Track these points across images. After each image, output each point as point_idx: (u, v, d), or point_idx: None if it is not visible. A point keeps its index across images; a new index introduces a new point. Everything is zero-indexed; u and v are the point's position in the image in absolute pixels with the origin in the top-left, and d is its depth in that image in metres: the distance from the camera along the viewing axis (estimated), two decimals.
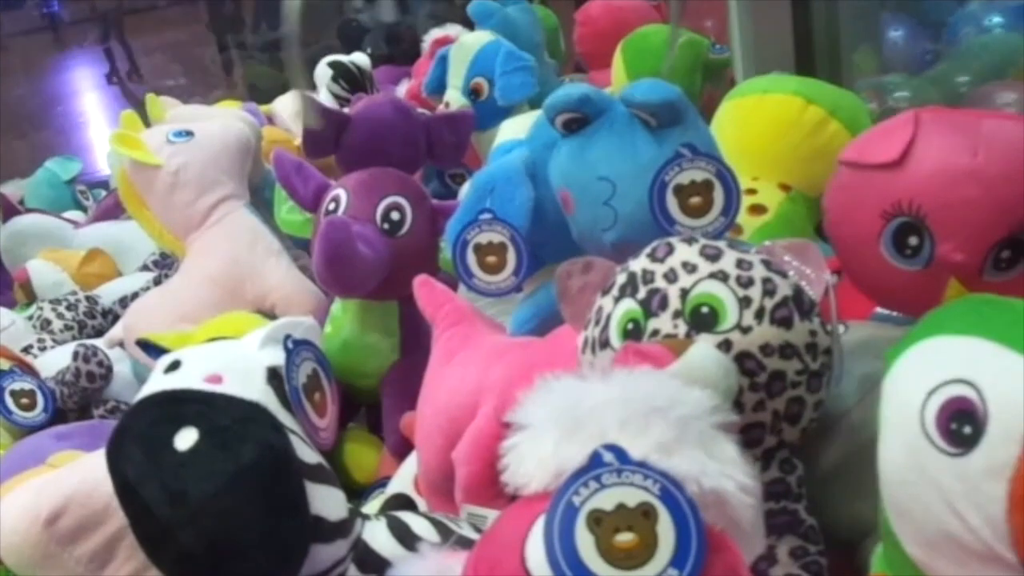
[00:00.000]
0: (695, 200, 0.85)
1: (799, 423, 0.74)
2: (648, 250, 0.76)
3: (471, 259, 1.01)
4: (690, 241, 0.76)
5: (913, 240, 0.81)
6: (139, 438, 0.67)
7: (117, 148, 1.42)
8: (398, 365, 1.23)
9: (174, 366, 0.73)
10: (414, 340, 1.21)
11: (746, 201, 1.11)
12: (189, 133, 1.44)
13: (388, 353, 1.23)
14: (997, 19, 1.91)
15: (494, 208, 1.02)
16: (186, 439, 0.66)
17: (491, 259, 1.01)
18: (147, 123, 1.56)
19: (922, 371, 0.57)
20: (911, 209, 0.80)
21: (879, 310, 0.95)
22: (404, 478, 1.06)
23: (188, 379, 0.71)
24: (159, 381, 0.72)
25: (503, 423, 0.85)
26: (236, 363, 0.73)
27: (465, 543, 0.72)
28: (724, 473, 0.56)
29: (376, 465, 1.23)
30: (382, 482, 1.16)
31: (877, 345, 0.81)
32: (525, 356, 0.93)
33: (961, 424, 0.53)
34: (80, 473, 0.76)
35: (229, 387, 0.70)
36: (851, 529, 0.77)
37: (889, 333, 0.86)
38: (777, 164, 1.15)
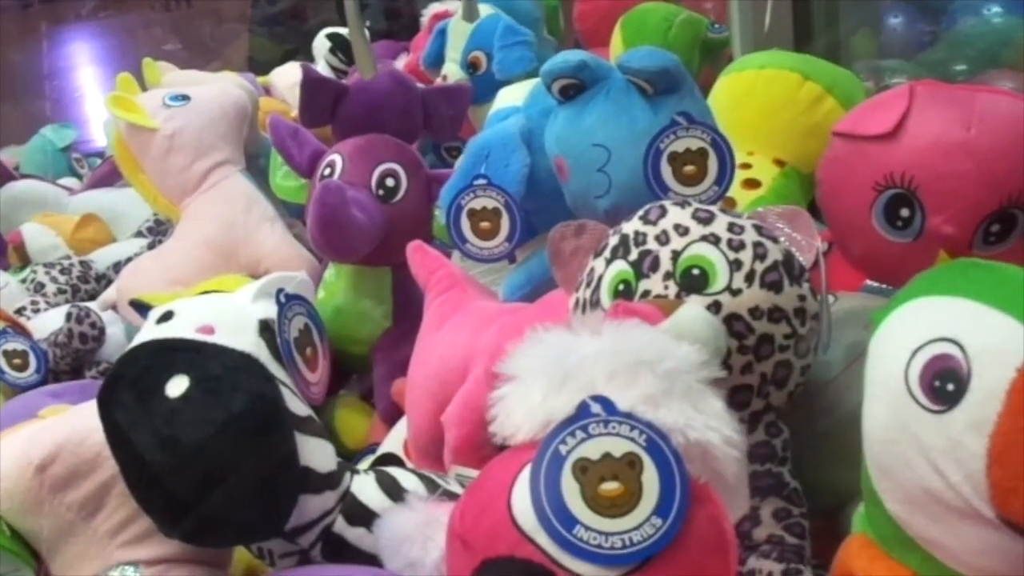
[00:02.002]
0: (689, 168, 0.85)
1: (786, 387, 0.75)
2: (641, 213, 0.77)
3: (465, 224, 1.01)
4: (683, 204, 0.76)
5: (904, 212, 0.82)
6: (131, 385, 0.68)
7: (113, 110, 1.42)
8: (390, 332, 1.23)
9: (166, 317, 0.73)
10: (406, 308, 1.21)
11: (740, 176, 1.12)
12: (186, 97, 1.44)
13: (380, 320, 1.24)
14: (996, 8, 1.91)
15: (489, 174, 1.02)
16: (178, 386, 0.67)
17: (485, 225, 1.01)
18: (144, 88, 1.55)
19: (908, 331, 0.58)
20: (903, 181, 0.81)
21: (869, 282, 0.95)
22: (394, 442, 1.07)
23: (180, 329, 0.72)
24: (151, 331, 0.73)
25: (493, 386, 0.86)
26: (228, 315, 0.74)
27: (452, 496, 0.73)
28: (709, 426, 0.57)
29: (366, 431, 1.24)
30: (372, 448, 1.16)
31: (865, 315, 0.81)
32: (516, 321, 0.93)
33: (945, 382, 0.54)
34: (72, 422, 0.76)
35: (221, 338, 0.71)
36: (834, 495, 0.78)
37: (877, 304, 0.86)
38: (772, 139, 1.16)
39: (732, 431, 0.57)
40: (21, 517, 0.74)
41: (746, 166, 1.13)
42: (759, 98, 1.16)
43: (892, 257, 0.84)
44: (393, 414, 1.16)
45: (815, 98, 1.14)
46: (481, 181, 1.01)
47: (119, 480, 0.73)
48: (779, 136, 1.15)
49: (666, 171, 0.86)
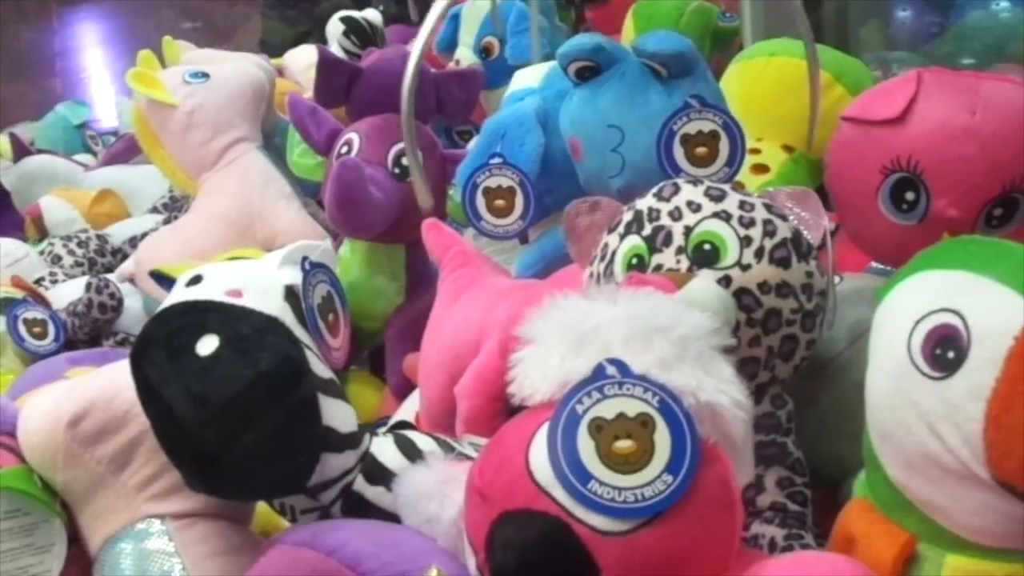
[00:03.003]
0: (701, 150, 0.88)
1: (792, 360, 0.77)
2: (655, 190, 0.79)
3: (480, 202, 1.03)
4: (695, 182, 0.78)
5: (910, 195, 0.84)
6: (163, 343, 0.70)
7: (135, 86, 1.44)
8: (403, 308, 1.26)
9: (196, 280, 0.76)
10: (419, 284, 1.23)
11: (749, 160, 1.13)
12: (205, 75, 1.47)
13: (393, 296, 1.26)
14: (1004, 3, 1.93)
15: (504, 153, 1.04)
16: (208, 345, 0.69)
17: (499, 203, 1.03)
18: (163, 66, 1.58)
19: (911, 302, 0.60)
20: (909, 165, 0.83)
21: (874, 264, 0.98)
22: (406, 413, 1.09)
23: (209, 292, 0.74)
24: (181, 293, 0.75)
25: (505, 359, 0.88)
26: (255, 280, 0.76)
27: (467, 459, 0.75)
28: (720, 389, 0.59)
29: (378, 405, 1.26)
30: (383, 421, 1.19)
31: (869, 294, 0.84)
32: (528, 296, 0.95)
33: (945, 350, 0.57)
34: (103, 379, 0.79)
35: (248, 301, 0.73)
36: (835, 468, 0.80)
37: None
38: (781, 125, 1.17)
39: (741, 395, 0.60)
40: (52, 470, 0.77)
41: (755, 151, 1.15)
42: (769, 84, 1.18)
43: (897, 239, 0.86)
44: (404, 388, 1.18)
45: (824, 85, 1.14)
46: (497, 160, 1.03)
47: (147, 437, 0.75)
48: (788, 122, 1.17)
49: (678, 152, 0.88)
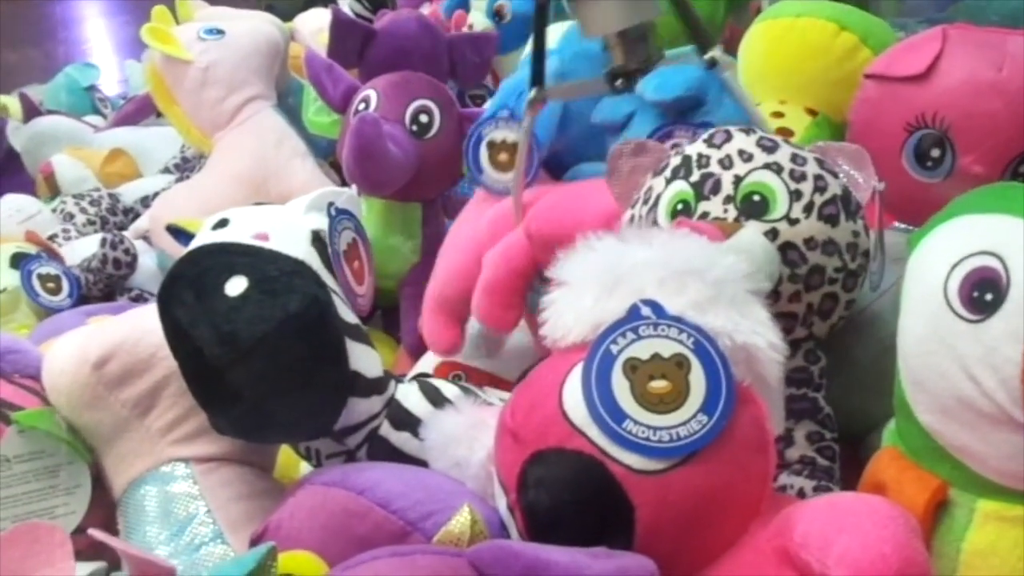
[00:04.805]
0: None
1: (829, 319, 0.75)
2: (705, 136, 0.77)
3: (484, 154, 1.02)
4: (748, 131, 0.76)
5: (935, 152, 0.84)
6: (191, 284, 0.70)
7: (149, 41, 1.43)
8: (418, 267, 1.25)
9: (222, 223, 0.75)
10: (435, 243, 1.22)
11: (773, 124, 1.12)
12: (220, 32, 1.46)
13: (409, 255, 1.26)
14: None
15: (518, 112, 1.02)
16: (236, 286, 0.69)
17: (503, 157, 1.01)
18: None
19: (948, 246, 0.60)
20: (935, 121, 0.83)
21: (897, 224, 0.97)
22: (424, 368, 1.09)
23: (237, 234, 0.74)
24: (208, 235, 0.75)
25: (531, 242, 0.89)
26: (282, 224, 0.76)
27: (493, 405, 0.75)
28: (755, 331, 0.59)
29: (391, 364, 1.26)
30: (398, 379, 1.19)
31: (897, 250, 0.84)
32: (562, 190, 0.97)
33: (983, 292, 0.56)
34: (128, 323, 0.78)
35: (275, 244, 0.73)
36: (856, 423, 0.80)
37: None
38: (805, 88, 1.15)
39: (776, 337, 0.60)
40: (78, 412, 0.77)
41: (779, 115, 1.13)
42: (794, 46, 1.15)
43: (920, 197, 0.85)
44: (418, 347, 1.18)
45: (850, 48, 1.12)
46: (504, 112, 1.01)
47: (172, 380, 0.75)
48: (813, 85, 1.15)
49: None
